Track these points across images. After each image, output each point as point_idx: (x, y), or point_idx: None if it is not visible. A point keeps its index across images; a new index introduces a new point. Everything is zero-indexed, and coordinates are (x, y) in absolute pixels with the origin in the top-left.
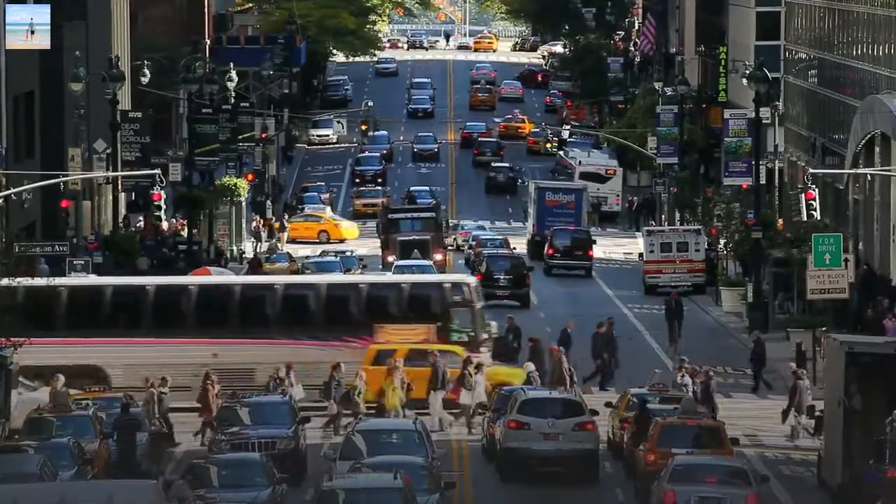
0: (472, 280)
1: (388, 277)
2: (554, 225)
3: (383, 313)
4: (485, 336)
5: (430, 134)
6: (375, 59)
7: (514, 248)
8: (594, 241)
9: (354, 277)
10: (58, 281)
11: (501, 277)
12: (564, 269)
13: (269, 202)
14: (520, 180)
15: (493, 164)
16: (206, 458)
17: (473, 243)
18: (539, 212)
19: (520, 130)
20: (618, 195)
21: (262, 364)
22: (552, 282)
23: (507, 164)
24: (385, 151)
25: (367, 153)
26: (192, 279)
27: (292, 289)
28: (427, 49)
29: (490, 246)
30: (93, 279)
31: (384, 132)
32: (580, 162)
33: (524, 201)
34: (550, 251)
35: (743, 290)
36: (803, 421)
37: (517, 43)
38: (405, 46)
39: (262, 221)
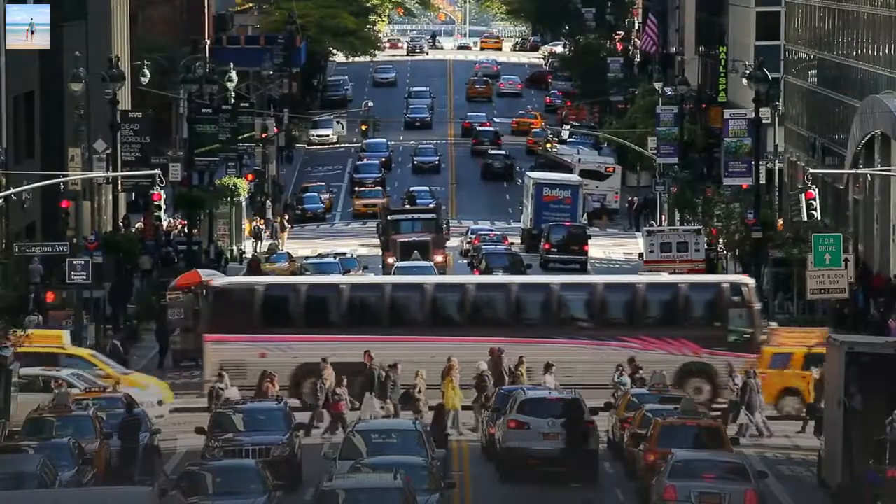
0: (751, 280)
1: (666, 278)
2: (551, 219)
3: (660, 314)
4: (763, 337)
5: (431, 146)
6: (373, 62)
7: (511, 244)
8: (590, 237)
9: (632, 277)
10: (338, 279)
11: (500, 273)
12: (560, 263)
13: (268, 202)
14: (519, 180)
15: (489, 151)
16: (201, 464)
17: (473, 238)
18: (536, 206)
19: (533, 126)
20: (616, 192)
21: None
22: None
23: (503, 152)
24: (384, 159)
25: (365, 160)
26: (469, 278)
27: (568, 289)
28: (427, 54)
29: (488, 241)
30: (373, 277)
31: (382, 140)
32: (580, 159)
33: (521, 198)
34: (547, 246)
35: None
36: (756, 418)
37: (517, 43)
38: (404, 49)
39: (261, 221)
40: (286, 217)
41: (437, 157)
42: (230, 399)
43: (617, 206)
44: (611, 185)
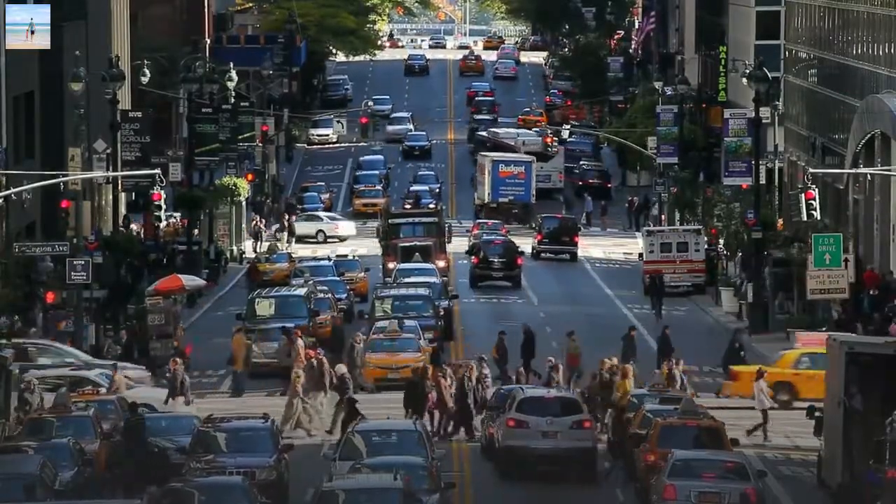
0: None
1: None
2: (507, 193)
3: None
4: None
5: (432, 172)
6: (373, 61)
7: (508, 232)
8: (580, 228)
9: None
10: None
11: (496, 260)
12: (552, 253)
13: (268, 202)
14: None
15: (475, 118)
16: (186, 481)
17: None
18: (493, 181)
19: (539, 123)
20: (560, 172)
21: None
22: (550, 281)
23: (489, 118)
24: (382, 176)
25: (364, 172)
26: None
27: None
28: (428, 75)
29: (486, 230)
30: None
31: (380, 157)
32: (524, 142)
33: (473, 174)
34: (539, 237)
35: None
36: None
37: (517, 43)
38: (405, 51)
39: (260, 221)
40: (286, 217)
41: (439, 185)
42: None
43: (561, 185)
44: (555, 166)
